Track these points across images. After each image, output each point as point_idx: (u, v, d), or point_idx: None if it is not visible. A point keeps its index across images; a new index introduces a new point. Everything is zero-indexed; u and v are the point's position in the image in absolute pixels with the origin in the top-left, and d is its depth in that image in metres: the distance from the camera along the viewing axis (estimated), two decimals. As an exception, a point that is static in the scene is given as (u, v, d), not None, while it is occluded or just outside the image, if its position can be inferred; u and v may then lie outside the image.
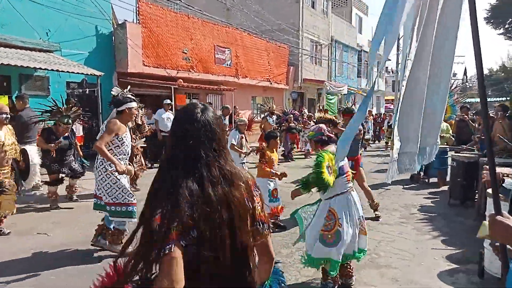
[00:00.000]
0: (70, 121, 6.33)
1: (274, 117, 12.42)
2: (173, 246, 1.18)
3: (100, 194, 4.22)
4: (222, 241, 1.29)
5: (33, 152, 5.93)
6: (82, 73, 9.34)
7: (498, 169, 5.35)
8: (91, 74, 9.35)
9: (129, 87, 4.99)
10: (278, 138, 5.72)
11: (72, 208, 6.32)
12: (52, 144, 6.08)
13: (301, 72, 20.79)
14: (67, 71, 8.66)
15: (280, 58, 19.39)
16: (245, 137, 6.94)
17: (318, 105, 21.59)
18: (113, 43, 11.43)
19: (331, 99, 19.63)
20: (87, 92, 10.31)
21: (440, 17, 2.23)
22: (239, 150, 6.47)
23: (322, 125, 3.83)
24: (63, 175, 6.50)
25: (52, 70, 8.34)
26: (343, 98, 23.15)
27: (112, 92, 4.51)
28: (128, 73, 11.22)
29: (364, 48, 29.20)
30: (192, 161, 1.34)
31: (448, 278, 3.90)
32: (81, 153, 7.25)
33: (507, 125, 6.73)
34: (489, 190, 4.18)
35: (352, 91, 24.25)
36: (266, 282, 1.56)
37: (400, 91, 2.22)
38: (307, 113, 15.61)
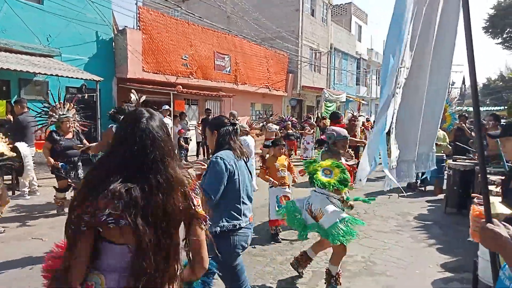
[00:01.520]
0: (68, 114, 6.13)
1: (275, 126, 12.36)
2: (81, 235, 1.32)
3: None
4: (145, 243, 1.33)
5: (23, 147, 5.88)
6: (82, 78, 9.38)
7: (493, 177, 5.37)
8: (90, 79, 9.40)
9: (144, 97, 5.05)
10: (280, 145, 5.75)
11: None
12: (51, 159, 5.85)
13: (300, 79, 20.89)
14: (67, 76, 8.70)
15: (279, 65, 19.49)
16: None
17: (316, 112, 21.65)
18: (113, 49, 11.50)
19: (329, 107, 19.66)
20: (86, 97, 10.35)
21: (439, 26, 2.27)
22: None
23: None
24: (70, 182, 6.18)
25: (51, 75, 8.39)
26: (342, 106, 23.23)
27: (131, 95, 4.63)
28: (127, 78, 11.27)
29: (363, 56, 29.37)
30: (127, 164, 1.38)
31: (443, 287, 3.90)
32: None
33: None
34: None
35: (350, 99, 24.33)
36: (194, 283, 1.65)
37: (396, 98, 2.24)
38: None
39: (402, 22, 1.87)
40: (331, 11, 24.61)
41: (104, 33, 11.14)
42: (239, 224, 2.58)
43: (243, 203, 2.65)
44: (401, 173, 2.41)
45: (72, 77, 8.90)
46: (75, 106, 6.45)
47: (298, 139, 13.71)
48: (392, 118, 2.17)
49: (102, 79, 9.61)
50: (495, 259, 1.63)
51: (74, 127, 6.27)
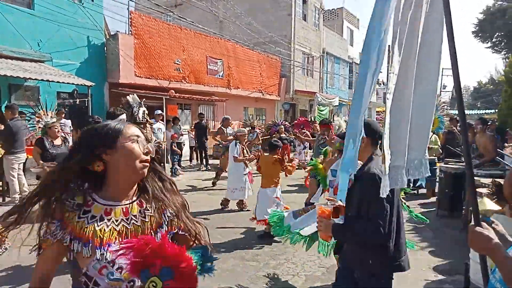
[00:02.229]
0: (54, 120, 6.10)
1: (257, 132, 12.32)
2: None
3: None
4: None
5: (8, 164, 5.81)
6: (73, 84, 9.32)
7: (483, 180, 5.43)
8: (82, 84, 9.34)
9: (143, 100, 5.09)
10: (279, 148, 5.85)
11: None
12: (43, 162, 5.82)
13: (293, 83, 20.97)
14: (58, 81, 8.64)
15: (272, 70, 19.55)
16: (246, 149, 6.98)
17: (310, 116, 21.75)
18: (105, 54, 11.45)
19: (322, 110, 19.74)
20: (77, 103, 10.28)
21: (424, 32, 2.29)
22: (243, 159, 6.53)
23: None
24: None
25: (42, 80, 8.32)
26: (335, 110, 23.35)
27: (128, 98, 4.66)
28: (119, 83, 11.22)
29: (355, 60, 29.55)
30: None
31: (435, 289, 3.92)
32: None
33: (488, 137, 6.85)
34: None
35: (343, 103, 24.47)
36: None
37: (386, 104, 2.26)
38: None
39: (381, 28, 1.88)
40: (323, 16, 24.78)
41: (96, 38, 11.09)
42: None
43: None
44: (393, 178, 2.41)
45: (63, 82, 8.84)
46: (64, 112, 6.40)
47: (292, 143, 13.73)
48: (384, 124, 2.18)
49: (93, 84, 9.56)
50: (485, 262, 1.64)
51: (62, 134, 6.23)
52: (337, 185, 3.65)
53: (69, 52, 10.36)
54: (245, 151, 6.78)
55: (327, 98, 21.14)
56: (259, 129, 13.38)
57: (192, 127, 13.11)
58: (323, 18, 24.81)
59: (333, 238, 2.38)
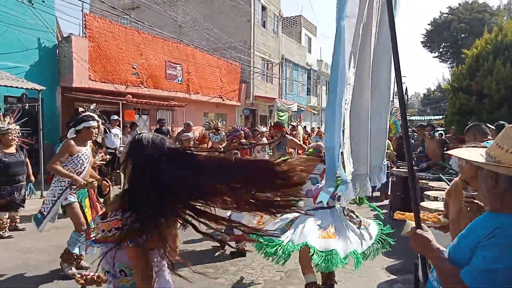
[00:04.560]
0: (10, 127, 5.59)
1: (222, 134, 12.34)
2: None
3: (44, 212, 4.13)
4: None
5: None
6: (22, 88, 8.85)
7: (431, 183, 5.76)
8: (31, 88, 8.89)
9: (94, 104, 4.92)
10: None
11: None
12: None
13: (252, 89, 21.16)
14: (5, 85, 8.17)
15: (232, 75, 19.62)
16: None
17: (269, 121, 22.01)
18: (57, 57, 10.98)
19: (281, 116, 20.08)
20: (26, 107, 9.76)
21: (376, 45, 2.42)
22: None
23: (320, 143, 4.15)
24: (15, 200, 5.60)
25: (-13, 83, 7.84)
26: (294, 115, 23.81)
27: (90, 107, 4.55)
28: (73, 88, 10.80)
29: (313, 67, 30.31)
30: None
31: (387, 289, 4.10)
32: (32, 177, 6.36)
33: (437, 142, 7.28)
34: (423, 204, 4.49)
35: (302, 108, 25.00)
36: None
37: (344, 115, 2.33)
38: (260, 130, 15.78)
39: (342, 44, 1.97)
40: (282, 23, 25.24)
41: (47, 40, 10.62)
42: None
43: None
44: (357, 186, 2.48)
45: (11, 86, 8.37)
46: (14, 120, 5.96)
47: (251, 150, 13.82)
48: (343, 134, 2.26)
49: (44, 88, 9.13)
50: (425, 262, 1.76)
51: (16, 141, 5.85)
52: (317, 195, 3.68)
53: (17, 54, 9.83)
54: None
55: (286, 104, 21.52)
56: (224, 131, 13.37)
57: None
58: (282, 25, 25.28)
59: None
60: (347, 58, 2.10)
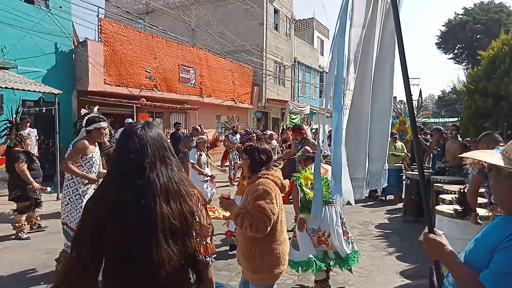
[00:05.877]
0: (27, 131, 5.98)
1: (238, 136, 12.49)
2: None
3: (67, 221, 4.09)
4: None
5: None
6: (39, 91, 9.05)
7: (446, 187, 5.67)
8: (49, 92, 9.07)
9: (97, 107, 4.99)
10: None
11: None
12: (36, 184, 5.61)
13: (265, 92, 21.18)
14: (23, 89, 8.36)
15: (244, 78, 19.69)
16: (207, 155, 6.92)
17: (282, 124, 21.99)
18: (74, 61, 11.20)
19: (294, 119, 20.05)
20: (44, 111, 9.97)
21: (379, 49, 2.41)
22: (199, 168, 6.48)
23: (307, 147, 4.63)
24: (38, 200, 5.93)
25: (6, 88, 8.03)
26: (306, 117, 23.74)
27: (81, 111, 4.59)
28: (88, 91, 10.99)
29: (326, 70, 30.16)
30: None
31: (402, 293, 4.05)
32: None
33: (459, 144, 7.14)
34: (438, 207, 4.44)
35: (314, 111, 24.91)
36: None
37: (343, 119, 2.34)
38: (269, 133, 15.83)
39: (342, 46, 1.98)
40: (294, 25, 25.24)
41: (64, 44, 10.84)
42: None
43: None
44: (354, 190, 2.49)
45: (28, 90, 8.56)
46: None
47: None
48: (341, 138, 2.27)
49: (61, 92, 9.30)
50: (438, 267, 1.75)
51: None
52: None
53: (35, 59, 10.06)
54: (203, 158, 6.69)
55: (298, 107, 21.46)
56: (240, 132, 13.45)
57: (168, 138, 12.96)
58: (294, 28, 25.27)
59: None
60: (345, 65, 2.13)
